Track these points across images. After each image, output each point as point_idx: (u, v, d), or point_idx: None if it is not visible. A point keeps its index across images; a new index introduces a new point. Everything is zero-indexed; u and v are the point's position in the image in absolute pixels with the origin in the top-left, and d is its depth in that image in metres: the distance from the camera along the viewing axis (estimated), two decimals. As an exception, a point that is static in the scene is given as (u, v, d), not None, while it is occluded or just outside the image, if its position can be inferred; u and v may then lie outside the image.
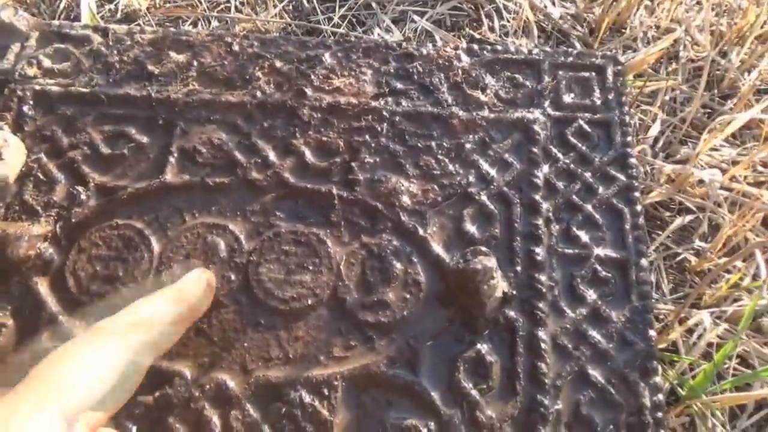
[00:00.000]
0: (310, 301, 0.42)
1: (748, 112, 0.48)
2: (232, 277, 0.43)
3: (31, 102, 0.49)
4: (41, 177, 0.46)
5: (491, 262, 0.39)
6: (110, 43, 0.52)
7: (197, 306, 0.39)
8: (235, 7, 0.60)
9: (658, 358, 0.40)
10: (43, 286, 0.42)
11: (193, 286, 0.39)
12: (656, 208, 0.50)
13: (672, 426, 0.42)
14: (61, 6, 0.61)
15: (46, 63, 0.51)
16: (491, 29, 0.58)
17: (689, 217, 0.48)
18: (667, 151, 0.52)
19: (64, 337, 0.40)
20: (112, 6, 0.61)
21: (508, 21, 0.58)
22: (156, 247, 0.44)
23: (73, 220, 0.44)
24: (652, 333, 0.41)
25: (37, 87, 0.49)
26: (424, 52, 0.52)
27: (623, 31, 0.59)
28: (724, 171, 0.50)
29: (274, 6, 0.59)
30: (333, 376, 0.39)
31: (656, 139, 0.53)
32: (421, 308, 0.42)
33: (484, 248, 0.40)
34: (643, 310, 0.42)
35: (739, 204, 0.45)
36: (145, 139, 0.48)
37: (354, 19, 0.59)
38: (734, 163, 0.50)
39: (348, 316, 0.41)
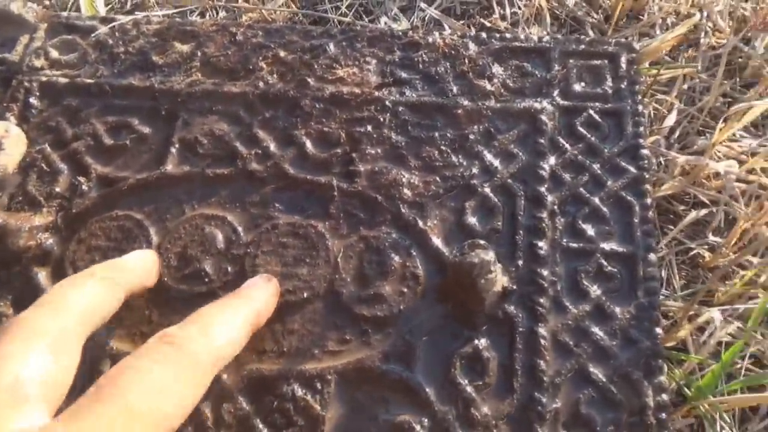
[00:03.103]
0: (305, 294, 0.41)
1: (765, 99, 0.46)
2: (229, 269, 0.42)
3: (38, 93, 0.49)
4: (45, 168, 0.46)
5: (489, 255, 0.38)
6: (116, 33, 0.52)
7: (264, 313, 0.38)
8: (243, -4, 0.59)
9: (664, 357, 0.38)
10: (43, 276, 0.42)
11: (260, 292, 0.38)
12: (669, 202, 0.48)
13: (679, 428, 0.40)
14: (74, -2, 0.61)
15: (54, 54, 0.51)
16: (502, 17, 0.57)
17: (704, 211, 0.46)
18: (683, 142, 0.50)
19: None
20: (122, -3, 0.62)
21: (520, 8, 0.57)
22: (154, 238, 0.44)
23: (74, 211, 0.44)
24: (658, 330, 0.39)
25: (44, 78, 0.50)
26: (430, 40, 0.51)
27: (641, 17, 0.57)
28: (743, 163, 0.47)
29: (282, -5, 0.58)
30: (326, 370, 0.39)
31: (673, 130, 0.51)
32: (419, 302, 0.41)
33: (481, 241, 0.39)
34: (649, 307, 0.40)
35: (755, 196, 0.43)
36: (147, 130, 0.48)
37: (362, 8, 0.58)
38: (754, 154, 0.48)
39: (344, 309, 0.41)
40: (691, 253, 0.46)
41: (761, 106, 0.45)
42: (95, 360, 0.39)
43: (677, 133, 0.51)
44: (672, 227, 0.47)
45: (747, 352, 0.42)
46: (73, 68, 0.51)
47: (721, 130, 0.46)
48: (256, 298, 0.38)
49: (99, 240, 0.43)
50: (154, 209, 0.45)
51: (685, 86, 0.53)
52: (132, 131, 0.48)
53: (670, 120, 0.50)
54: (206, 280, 0.42)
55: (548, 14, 0.56)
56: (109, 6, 0.61)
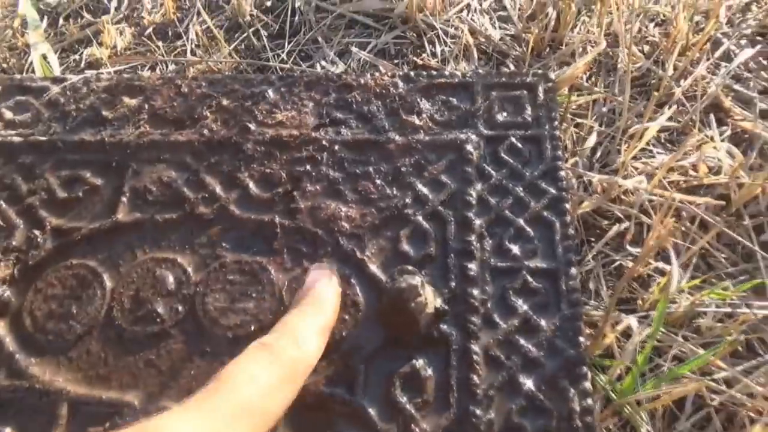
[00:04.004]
0: (253, 327, 0.44)
1: (658, 119, 0.50)
2: (180, 308, 0.45)
3: (-8, 153, 0.52)
4: (1, 223, 0.49)
5: (415, 279, 0.41)
6: (68, 92, 0.55)
7: (336, 313, 0.41)
8: (191, 50, 0.63)
9: (588, 364, 0.41)
10: (1, 327, 0.44)
11: (329, 293, 0.41)
12: (594, 217, 0.52)
13: (611, 428, 0.43)
14: (29, 60, 0.64)
15: (8, 115, 0.54)
16: (433, 55, 0.61)
17: (624, 225, 0.50)
18: (604, 161, 0.54)
19: (21, 375, 0.42)
20: (76, 56, 0.65)
21: (449, 46, 0.61)
22: (108, 283, 0.46)
23: (31, 263, 0.47)
24: (581, 339, 0.42)
25: (-1, 139, 0.53)
26: (362, 81, 0.54)
27: (561, 47, 0.61)
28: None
29: (227, 46, 0.62)
30: (274, 398, 0.41)
31: (594, 150, 0.55)
32: (360, 328, 0.44)
33: (410, 267, 0.42)
34: (572, 318, 0.43)
35: (666, 208, 0.46)
36: (99, 182, 0.50)
37: (301, 55, 0.62)
38: (669, 170, 0.52)
39: (290, 339, 0.43)
40: (617, 264, 0.50)
41: (655, 126, 0.49)
42: (53, 404, 0.41)
43: (598, 153, 0.54)
44: (598, 241, 0.50)
45: (669, 354, 0.45)
46: (27, 127, 0.53)
47: (626, 149, 0.50)
48: (328, 301, 0.41)
49: (55, 289, 0.46)
50: (107, 256, 0.47)
51: (605, 109, 0.57)
52: (84, 183, 0.50)
53: (591, 141, 0.54)
54: (158, 320, 0.44)
55: (475, 50, 0.60)
56: (64, 66, 0.64)
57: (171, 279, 0.46)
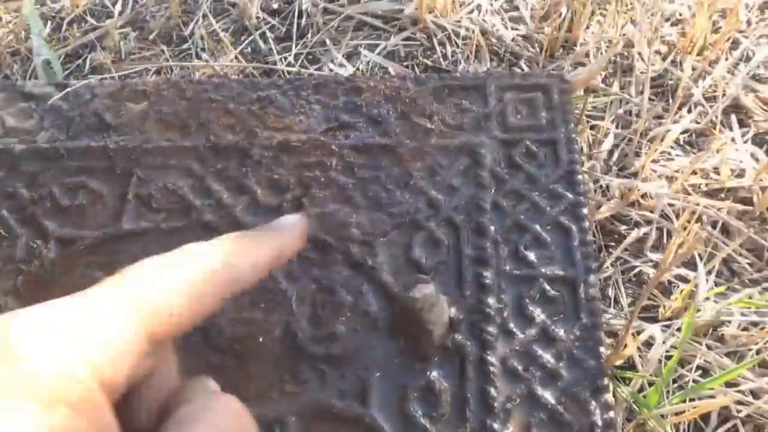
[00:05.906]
0: (261, 339, 0.42)
1: (680, 122, 0.48)
2: (186, 319, 0.43)
3: (-6, 161, 0.51)
4: (3, 233, 0.47)
5: (429, 289, 0.39)
6: (71, 98, 0.54)
7: (291, 245, 0.34)
8: (196, 53, 0.62)
9: (609, 375, 0.40)
10: (4, 340, 0.43)
11: (290, 227, 0.34)
12: (613, 223, 0.50)
13: (633, 443, 0.41)
14: (32, 66, 0.63)
15: (10, 122, 0.53)
16: (444, 56, 0.59)
17: (644, 230, 0.48)
18: (621, 164, 0.52)
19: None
20: (80, 62, 0.64)
21: (459, 47, 0.59)
22: (113, 294, 0.45)
23: (34, 273, 0.45)
24: (601, 350, 0.40)
25: (0, 146, 0.51)
26: (372, 84, 0.53)
27: (575, 48, 0.59)
28: (677, 180, 0.49)
29: (233, 50, 0.61)
30: (285, 412, 0.40)
31: (611, 153, 0.53)
32: (372, 339, 0.42)
33: (423, 275, 0.40)
34: (592, 327, 0.41)
35: (689, 212, 0.45)
36: (103, 189, 0.49)
37: (310, 57, 0.61)
38: (690, 172, 0.50)
39: (299, 351, 0.42)
40: (637, 270, 0.48)
41: (677, 129, 0.48)
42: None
43: (616, 156, 0.53)
44: (617, 247, 0.48)
45: (693, 364, 0.43)
46: (30, 134, 0.52)
47: (647, 153, 0.48)
48: (281, 229, 0.34)
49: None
50: (112, 266, 0.46)
51: (621, 111, 0.55)
52: (88, 191, 0.49)
53: (608, 144, 0.52)
54: (164, 332, 0.43)
55: (488, 51, 0.59)
56: (68, 71, 0.63)
57: (177, 289, 0.44)
